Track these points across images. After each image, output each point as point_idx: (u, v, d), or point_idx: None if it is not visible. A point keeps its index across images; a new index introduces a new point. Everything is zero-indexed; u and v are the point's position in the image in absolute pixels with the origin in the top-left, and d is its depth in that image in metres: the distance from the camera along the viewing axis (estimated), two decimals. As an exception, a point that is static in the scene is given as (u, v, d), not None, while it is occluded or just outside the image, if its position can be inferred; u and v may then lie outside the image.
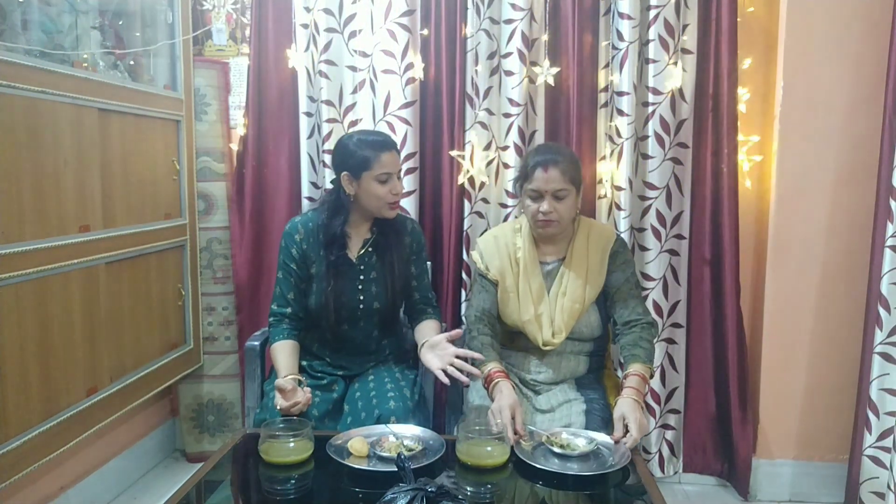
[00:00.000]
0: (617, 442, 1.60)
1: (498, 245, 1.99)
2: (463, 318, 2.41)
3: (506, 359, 1.93)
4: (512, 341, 1.99)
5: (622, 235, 2.27)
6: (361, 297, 1.93)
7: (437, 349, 1.79)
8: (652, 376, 1.85)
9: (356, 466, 1.47)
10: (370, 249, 1.96)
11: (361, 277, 1.94)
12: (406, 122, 2.41)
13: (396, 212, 1.93)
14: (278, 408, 1.70)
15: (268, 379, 2.01)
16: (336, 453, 1.50)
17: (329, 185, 2.49)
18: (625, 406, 1.66)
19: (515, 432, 1.61)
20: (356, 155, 1.85)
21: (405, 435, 1.60)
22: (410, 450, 1.52)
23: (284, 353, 1.86)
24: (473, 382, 1.98)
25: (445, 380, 1.72)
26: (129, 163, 2.25)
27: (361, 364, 1.98)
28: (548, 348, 1.89)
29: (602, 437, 1.61)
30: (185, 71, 2.53)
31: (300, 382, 1.77)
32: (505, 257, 1.96)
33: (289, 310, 1.93)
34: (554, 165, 1.81)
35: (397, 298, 1.99)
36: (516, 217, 2.38)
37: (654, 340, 1.92)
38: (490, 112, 2.42)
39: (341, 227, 1.91)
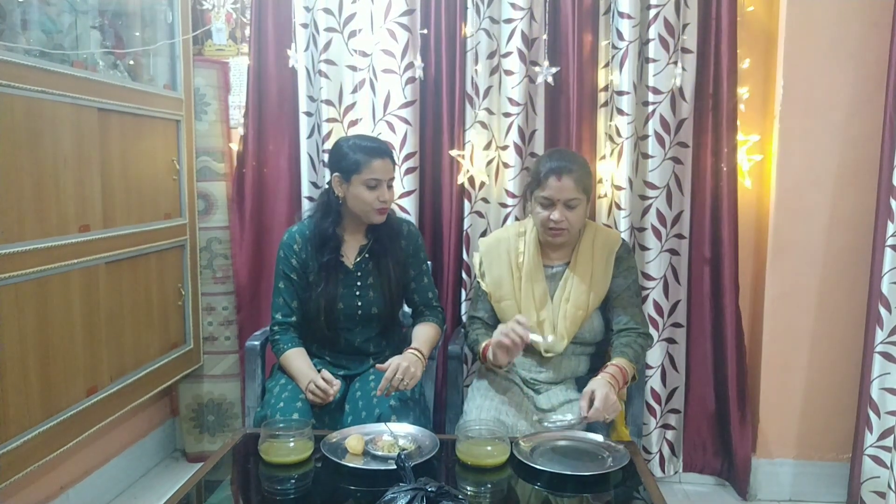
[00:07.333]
0: (585, 418, 1.61)
1: (499, 250, 1.98)
2: (462, 318, 2.43)
3: None
4: None
5: (623, 236, 2.26)
6: (360, 304, 1.94)
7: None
8: (635, 379, 1.81)
9: (350, 465, 1.47)
10: (367, 255, 1.96)
11: (359, 283, 1.95)
12: (406, 121, 2.41)
13: (384, 217, 1.91)
14: (311, 395, 1.79)
15: (269, 378, 2.01)
16: (331, 451, 1.51)
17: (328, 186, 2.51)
18: (595, 383, 1.68)
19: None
20: (348, 158, 1.87)
21: (400, 434, 1.60)
22: (404, 448, 1.52)
23: (304, 359, 1.89)
24: (476, 381, 1.98)
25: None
26: (129, 163, 2.25)
27: (362, 363, 1.99)
28: (549, 355, 1.88)
29: (598, 438, 1.62)
30: (184, 71, 2.53)
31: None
32: (505, 264, 1.95)
33: (294, 318, 1.95)
34: (568, 174, 1.79)
35: (395, 303, 2.00)
36: (517, 219, 2.38)
37: (646, 351, 1.93)
38: (490, 111, 2.42)
39: (332, 228, 1.92)
